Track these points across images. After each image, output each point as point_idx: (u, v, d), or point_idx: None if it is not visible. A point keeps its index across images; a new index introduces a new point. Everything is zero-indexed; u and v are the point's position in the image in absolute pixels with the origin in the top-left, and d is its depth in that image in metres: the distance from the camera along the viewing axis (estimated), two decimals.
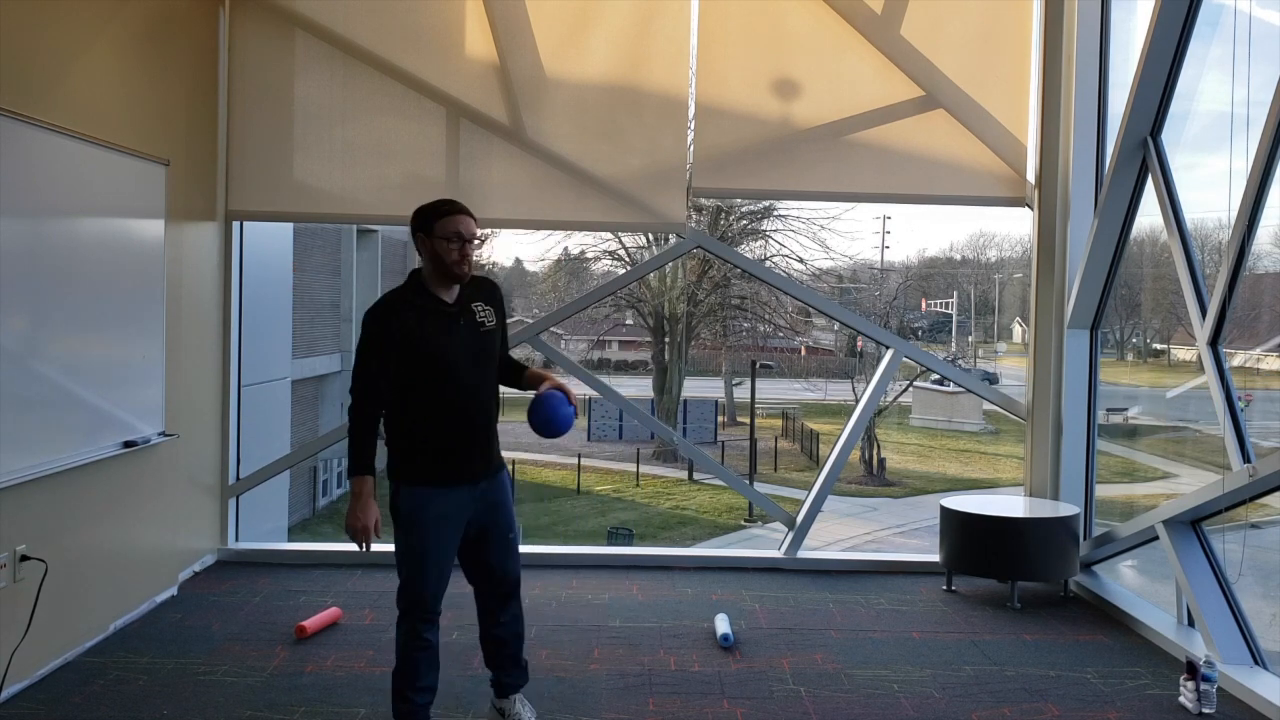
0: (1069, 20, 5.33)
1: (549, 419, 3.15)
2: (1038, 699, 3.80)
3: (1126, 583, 5.35)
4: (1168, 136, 4.76)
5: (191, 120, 5.05)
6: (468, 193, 5.45)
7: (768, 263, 21.83)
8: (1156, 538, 4.59)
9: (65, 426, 3.94)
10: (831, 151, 5.54)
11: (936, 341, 32.14)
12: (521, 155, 5.49)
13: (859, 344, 27.13)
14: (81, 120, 4.01)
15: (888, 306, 27.33)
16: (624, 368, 32.48)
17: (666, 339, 24.00)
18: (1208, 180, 4.69)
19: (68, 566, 3.97)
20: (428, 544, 3.11)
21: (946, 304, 33.53)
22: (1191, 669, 3.72)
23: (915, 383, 26.20)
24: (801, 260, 24.02)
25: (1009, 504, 5.49)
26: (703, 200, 19.58)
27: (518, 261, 33.64)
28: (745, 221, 24.21)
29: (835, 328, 27.60)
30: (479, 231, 3.19)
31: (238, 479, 5.62)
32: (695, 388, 26.61)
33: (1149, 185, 4.84)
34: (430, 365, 3.06)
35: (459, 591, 3.35)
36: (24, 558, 3.70)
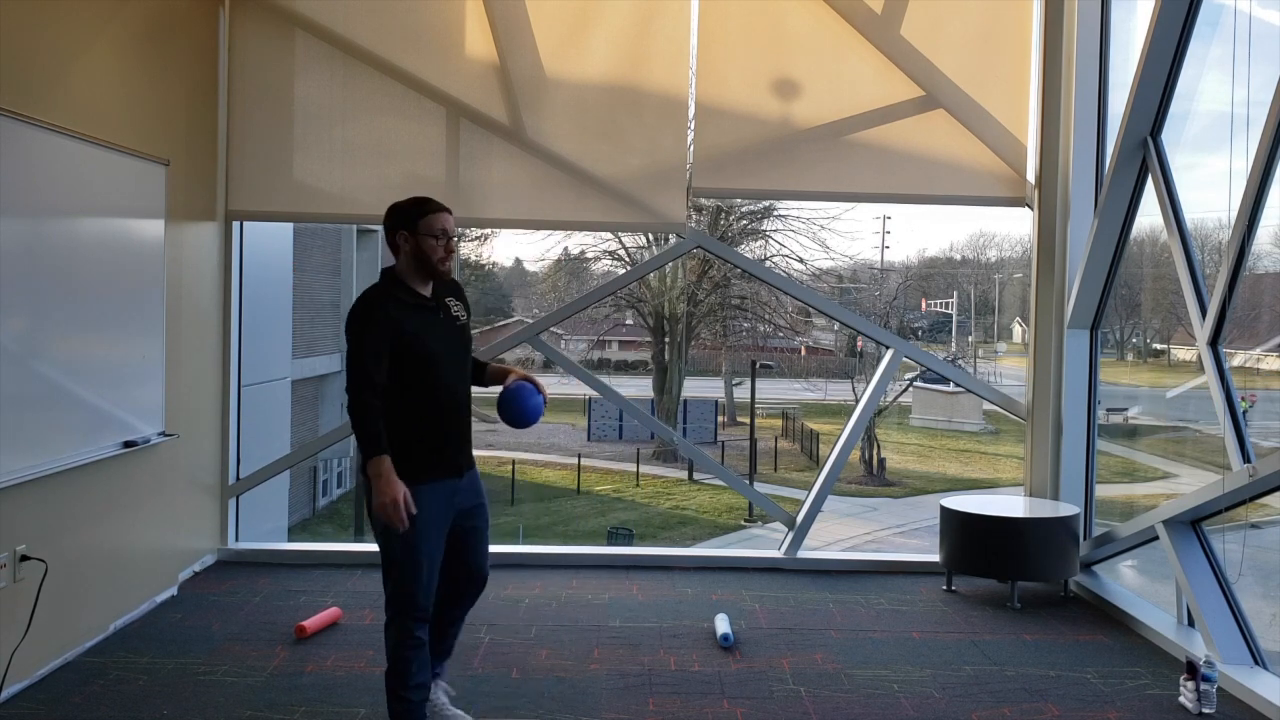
0: (1069, 20, 5.33)
1: (522, 410, 3.27)
2: (1038, 699, 3.80)
3: (1126, 583, 5.35)
4: (1168, 136, 4.76)
5: (191, 120, 5.05)
6: (468, 193, 5.45)
7: (768, 263, 21.81)
8: (1156, 538, 4.59)
9: (65, 426, 3.93)
10: (831, 151, 5.54)
11: (936, 341, 32.09)
12: (521, 155, 5.49)
13: (859, 344, 27.11)
14: (81, 120, 4.01)
15: (888, 306, 27.30)
16: (624, 368, 32.43)
17: (666, 339, 23.97)
18: (1208, 180, 4.70)
19: (68, 566, 3.97)
20: (418, 541, 3.10)
21: (946, 304, 33.47)
22: (1191, 669, 3.72)
23: (915, 382, 26.18)
24: (801, 260, 24.03)
25: (1009, 504, 5.49)
26: (703, 200, 19.57)
27: (518, 261, 33.65)
28: (745, 221, 24.20)
29: (835, 328, 27.56)
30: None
31: (238, 479, 5.62)
32: (695, 388, 26.57)
33: (1149, 185, 4.84)
34: (419, 359, 3.08)
35: None
36: (24, 558, 3.70)
